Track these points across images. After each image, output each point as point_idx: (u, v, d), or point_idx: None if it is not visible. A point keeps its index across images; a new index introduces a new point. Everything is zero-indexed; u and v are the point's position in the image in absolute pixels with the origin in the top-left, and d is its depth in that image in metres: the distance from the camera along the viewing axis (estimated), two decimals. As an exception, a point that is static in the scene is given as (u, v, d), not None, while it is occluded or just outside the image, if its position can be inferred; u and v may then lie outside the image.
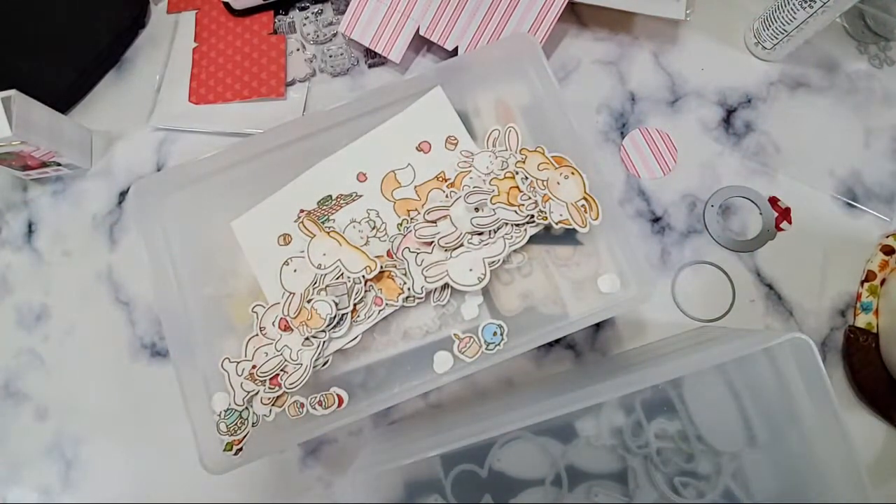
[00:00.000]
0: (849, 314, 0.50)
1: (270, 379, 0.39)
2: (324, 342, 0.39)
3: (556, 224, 0.39)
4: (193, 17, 0.59)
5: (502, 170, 0.41)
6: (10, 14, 0.57)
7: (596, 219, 0.40)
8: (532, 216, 0.40)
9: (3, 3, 0.57)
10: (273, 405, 0.39)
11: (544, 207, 0.39)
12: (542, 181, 0.40)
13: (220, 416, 0.39)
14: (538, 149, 0.41)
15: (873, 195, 0.52)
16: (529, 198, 0.40)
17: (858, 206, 0.52)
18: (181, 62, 0.58)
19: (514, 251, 0.41)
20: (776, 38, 0.52)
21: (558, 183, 0.40)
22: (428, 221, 0.41)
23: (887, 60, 0.56)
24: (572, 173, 0.41)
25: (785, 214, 0.52)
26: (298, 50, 0.58)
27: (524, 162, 0.41)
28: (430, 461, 0.43)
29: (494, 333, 0.40)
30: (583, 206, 0.40)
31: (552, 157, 0.41)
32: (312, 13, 0.59)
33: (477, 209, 0.40)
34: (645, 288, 0.40)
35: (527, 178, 0.40)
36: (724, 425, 0.43)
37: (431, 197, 0.42)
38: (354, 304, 0.39)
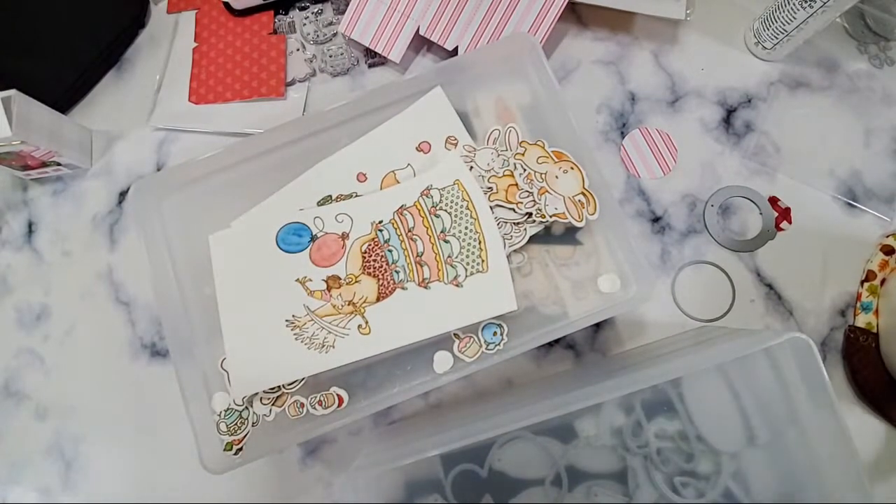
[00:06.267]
0: (849, 314, 0.50)
1: (270, 379, 0.39)
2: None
3: (551, 217, 0.39)
4: (193, 17, 0.59)
5: (502, 167, 0.41)
6: (11, 14, 0.57)
7: (593, 214, 0.40)
8: (530, 213, 0.40)
9: (3, 2, 0.57)
10: (273, 405, 0.39)
11: (539, 200, 0.39)
12: (541, 174, 0.40)
13: (220, 416, 0.39)
14: (538, 142, 0.41)
15: (873, 195, 0.52)
16: (528, 194, 0.40)
17: (858, 206, 0.52)
18: (181, 62, 0.58)
19: (514, 251, 0.41)
20: (776, 38, 0.52)
21: (557, 177, 0.40)
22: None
23: (887, 60, 0.56)
24: (571, 168, 0.41)
25: (785, 214, 0.52)
26: (298, 50, 0.58)
27: (523, 154, 0.41)
28: (430, 461, 0.43)
29: (494, 333, 0.40)
30: (580, 201, 0.40)
31: (552, 151, 0.41)
32: (312, 13, 0.59)
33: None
34: (645, 288, 0.40)
35: (525, 170, 0.40)
36: (724, 425, 0.43)
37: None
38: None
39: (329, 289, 0.40)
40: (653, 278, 0.39)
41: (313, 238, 0.41)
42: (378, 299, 0.40)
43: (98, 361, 0.53)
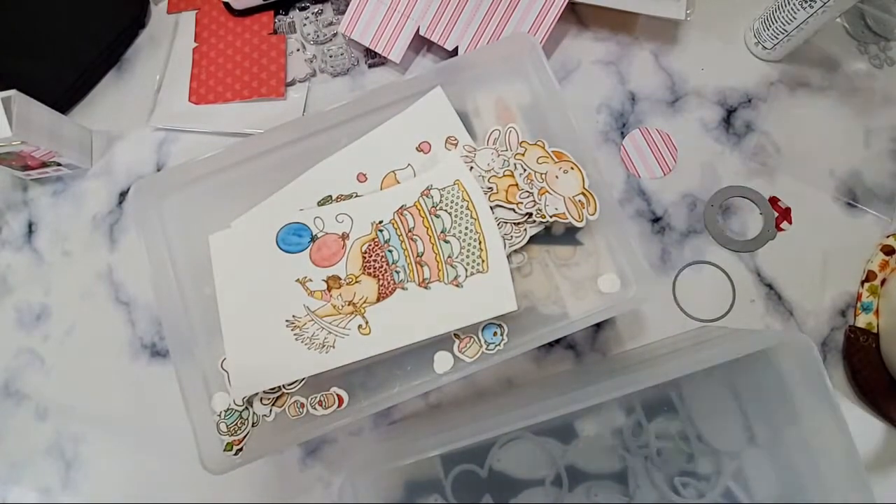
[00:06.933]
0: (849, 314, 0.50)
1: (270, 379, 0.39)
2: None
3: (551, 217, 0.39)
4: (193, 17, 0.59)
5: (502, 168, 0.41)
6: (11, 14, 0.57)
7: (593, 214, 0.40)
8: (530, 214, 0.40)
9: (3, 3, 0.57)
10: (273, 405, 0.39)
11: (540, 200, 0.39)
12: (541, 174, 0.40)
13: (220, 416, 0.39)
14: (538, 142, 0.41)
15: (873, 195, 0.52)
16: (528, 195, 0.40)
17: (858, 206, 0.52)
18: (181, 62, 0.58)
19: (515, 251, 0.41)
20: (776, 38, 0.52)
21: (557, 177, 0.40)
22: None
23: (887, 60, 0.56)
24: (572, 168, 0.41)
25: (785, 214, 0.52)
26: (298, 50, 0.58)
27: (524, 154, 0.41)
28: (430, 461, 0.43)
29: (494, 333, 0.40)
30: (580, 201, 0.40)
31: (552, 151, 0.41)
32: (312, 13, 0.59)
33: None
34: (645, 288, 0.40)
35: (525, 170, 0.40)
36: (724, 425, 0.43)
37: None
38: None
39: (329, 289, 0.40)
40: (653, 278, 0.39)
41: (313, 238, 0.41)
42: (378, 299, 0.40)
43: (98, 361, 0.53)
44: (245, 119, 0.56)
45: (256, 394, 0.39)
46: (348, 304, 0.40)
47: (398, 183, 0.43)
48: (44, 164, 0.54)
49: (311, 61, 0.58)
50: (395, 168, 0.43)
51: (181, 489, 0.49)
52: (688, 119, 0.55)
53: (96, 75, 0.59)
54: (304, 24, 0.59)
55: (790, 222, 0.52)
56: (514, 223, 0.41)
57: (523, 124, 0.44)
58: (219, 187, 0.43)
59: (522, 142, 0.42)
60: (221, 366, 0.39)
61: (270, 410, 0.39)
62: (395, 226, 0.41)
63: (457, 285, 0.40)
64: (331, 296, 0.40)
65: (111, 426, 0.52)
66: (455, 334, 0.40)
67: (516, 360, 0.49)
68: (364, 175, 0.43)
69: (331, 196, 0.43)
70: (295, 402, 0.39)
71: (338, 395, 0.39)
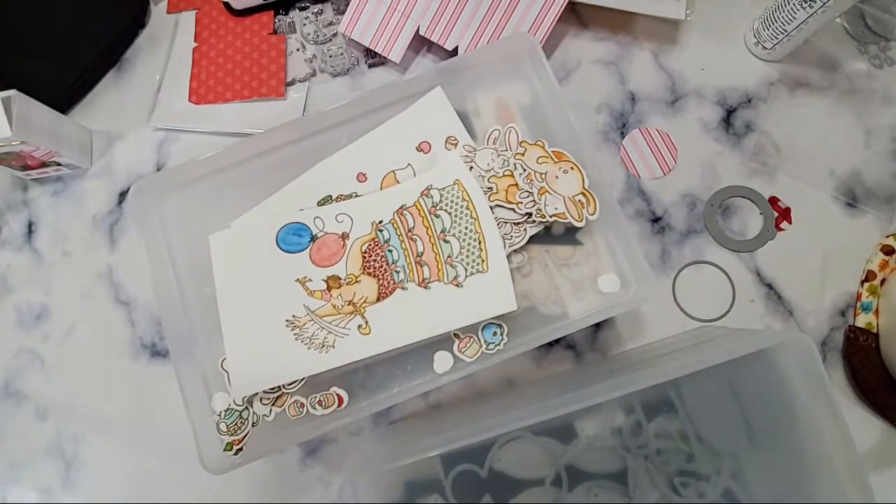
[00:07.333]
0: (849, 314, 0.50)
1: (270, 379, 0.39)
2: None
3: (551, 217, 0.39)
4: (193, 17, 0.59)
5: (502, 168, 0.41)
6: (11, 14, 0.57)
7: (593, 214, 0.40)
8: (530, 213, 0.40)
9: (3, 3, 0.57)
10: (273, 405, 0.39)
11: (539, 200, 0.39)
12: (541, 174, 0.40)
13: (220, 416, 0.39)
14: (538, 142, 0.41)
15: (873, 195, 0.52)
16: (528, 194, 0.40)
17: (858, 206, 0.52)
18: (181, 62, 0.58)
19: (514, 251, 0.41)
20: (776, 38, 0.52)
21: (557, 177, 0.40)
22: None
23: (887, 60, 0.56)
24: (571, 168, 0.41)
25: (785, 214, 0.52)
26: (298, 50, 0.58)
27: (523, 154, 0.41)
28: (430, 461, 0.43)
29: (494, 333, 0.40)
30: (580, 201, 0.40)
31: (552, 151, 0.41)
32: (312, 13, 0.59)
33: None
34: (645, 288, 0.40)
35: (525, 170, 0.40)
36: (724, 425, 0.43)
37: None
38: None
39: (329, 289, 0.40)
40: (653, 278, 0.39)
41: (313, 238, 0.41)
42: (378, 299, 0.40)
43: (98, 361, 0.53)
44: (245, 119, 0.56)
45: (256, 394, 0.39)
46: (348, 304, 0.40)
47: (398, 183, 0.43)
48: (44, 164, 0.54)
49: (311, 61, 0.58)
50: (395, 168, 0.43)
51: (181, 489, 0.49)
52: (688, 119, 0.55)
53: (96, 75, 0.59)
54: (304, 24, 0.59)
55: (790, 222, 0.52)
56: (514, 223, 0.41)
57: (523, 124, 0.44)
58: (219, 187, 0.43)
59: (522, 142, 0.42)
60: (221, 366, 0.39)
61: (270, 410, 0.39)
62: (395, 226, 0.41)
63: (457, 285, 0.40)
64: (331, 296, 0.40)
65: (111, 426, 0.52)
66: (455, 334, 0.40)
67: (516, 360, 0.49)
68: (364, 175, 0.43)
69: (331, 196, 0.43)
70: (295, 401, 0.39)
71: (338, 395, 0.39)
